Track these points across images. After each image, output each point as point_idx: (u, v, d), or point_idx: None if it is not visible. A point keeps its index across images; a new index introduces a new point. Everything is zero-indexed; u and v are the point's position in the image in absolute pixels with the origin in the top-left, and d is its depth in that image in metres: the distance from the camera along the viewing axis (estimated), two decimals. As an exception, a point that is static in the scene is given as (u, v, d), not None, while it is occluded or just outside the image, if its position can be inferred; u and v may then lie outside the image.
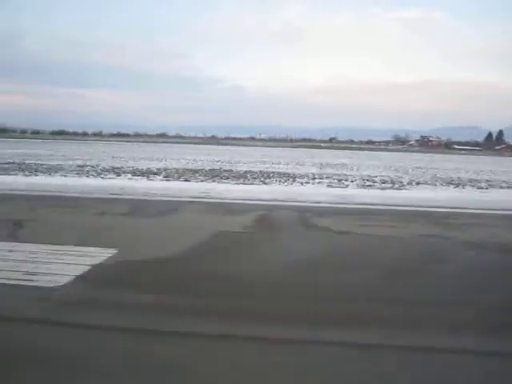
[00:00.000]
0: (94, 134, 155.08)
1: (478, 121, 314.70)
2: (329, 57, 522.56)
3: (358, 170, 36.66)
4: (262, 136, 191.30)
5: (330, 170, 33.87)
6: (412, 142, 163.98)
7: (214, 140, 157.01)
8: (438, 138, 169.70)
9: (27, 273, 6.27)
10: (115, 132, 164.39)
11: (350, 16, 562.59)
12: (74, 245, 7.83)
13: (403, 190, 20.55)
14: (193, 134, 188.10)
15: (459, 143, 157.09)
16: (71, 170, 25.72)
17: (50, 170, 25.30)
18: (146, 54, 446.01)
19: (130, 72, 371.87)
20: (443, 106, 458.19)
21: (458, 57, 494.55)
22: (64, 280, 6.04)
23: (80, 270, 6.46)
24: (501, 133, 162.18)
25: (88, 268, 6.59)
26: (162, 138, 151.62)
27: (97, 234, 8.95)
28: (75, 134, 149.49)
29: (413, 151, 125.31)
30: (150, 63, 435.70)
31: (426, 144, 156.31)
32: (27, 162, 31.49)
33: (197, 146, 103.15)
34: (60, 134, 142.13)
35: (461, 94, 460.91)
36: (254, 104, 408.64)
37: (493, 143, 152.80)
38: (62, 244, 7.82)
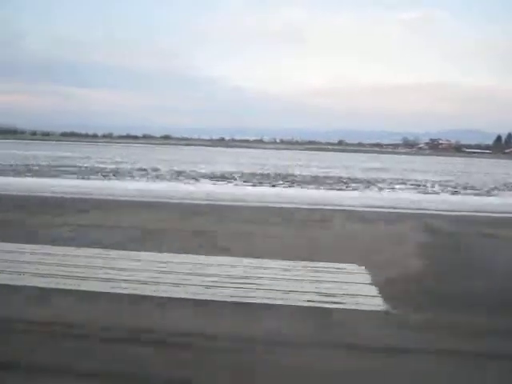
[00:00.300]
0: (104, 136, 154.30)
1: (478, 124, 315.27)
2: (329, 57, 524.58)
3: (413, 174, 36.10)
4: (266, 138, 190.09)
5: (386, 175, 33.36)
6: (421, 145, 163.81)
7: (222, 143, 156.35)
8: (447, 140, 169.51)
9: (327, 294, 5.74)
10: (124, 134, 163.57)
11: (350, 16, 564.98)
12: (310, 260, 7.34)
13: (493, 197, 20.13)
14: (196, 136, 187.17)
15: (468, 146, 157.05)
16: (144, 175, 25.10)
17: (118, 174, 24.79)
18: (146, 53, 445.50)
19: (130, 72, 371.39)
20: (443, 109, 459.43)
21: (459, 58, 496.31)
22: (378, 302, 5.53)
23: (375, 290, 5.94)
24: (510, 136, 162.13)
25: (377, 288, 6.06)
26: (168, 140, 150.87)
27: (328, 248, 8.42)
28: (86, 135, 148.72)
29: (424, 154, 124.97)
30: (149, 63, 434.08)
31: (435, 147, 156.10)
32: (85, 165, 30.97)
33: (208, 148, 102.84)
34: (70, 136, 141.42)
35: (460, 96, 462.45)
36: (255, 105, 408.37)
37: (502, 147, 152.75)
38: (305, 260, 7.30)
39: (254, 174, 28.14)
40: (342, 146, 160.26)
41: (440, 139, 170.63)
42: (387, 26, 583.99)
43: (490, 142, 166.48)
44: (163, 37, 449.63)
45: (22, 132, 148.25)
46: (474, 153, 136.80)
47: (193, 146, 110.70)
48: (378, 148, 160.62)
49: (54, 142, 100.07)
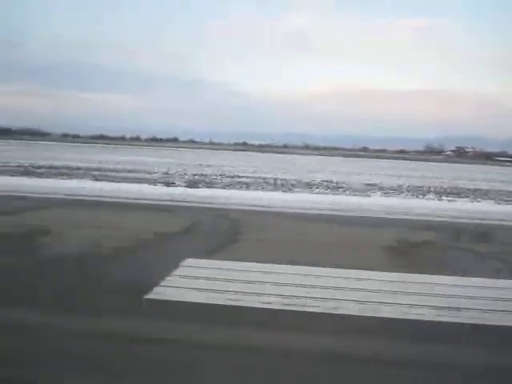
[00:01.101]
0: (132, 139, 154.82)
1: (482, 130, 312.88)
2: (336, 63, 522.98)
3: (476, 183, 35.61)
4: (278, 143, 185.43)
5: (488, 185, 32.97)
6: (448, 153, 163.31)
7: (247, 147, 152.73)
8: (473, 148, 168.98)
9: None
10: (148, 137, 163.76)
11: (356, 23, 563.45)
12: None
13: None
14: (207, 140, 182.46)
15: (496, 154, 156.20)
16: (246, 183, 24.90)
17: (302, 186, 24.60)
18: (151, 57, 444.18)
19: (134, 75, 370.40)
20: (448, 115, 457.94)
21: (464, 66, 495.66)
22: None
23: None
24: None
25: None
26: (193, 144, 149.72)
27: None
28: (114, 138, 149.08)
29: (454, 162, 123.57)
30: (155, 66, 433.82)
31: (463, 155, 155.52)
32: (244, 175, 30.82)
33: (235, 152, 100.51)
34: (100, 139, 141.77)
35: (465, 102, 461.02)
36: (263, 110, 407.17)
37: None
38: None
39: (419, 187, 27.91)
40: (367, 153, 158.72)
41: (466, 147, 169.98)
42: (396, 34, 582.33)
43: (496, 148, 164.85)
44: (168, 41, 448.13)
45: (46, 134, 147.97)
46: (506, 161, 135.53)
47: (222, 151, 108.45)
48: (401, 155, 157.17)
49: (87, 145, 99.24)
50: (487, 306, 5.98)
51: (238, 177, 28.72)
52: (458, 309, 5.81)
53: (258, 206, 15.10)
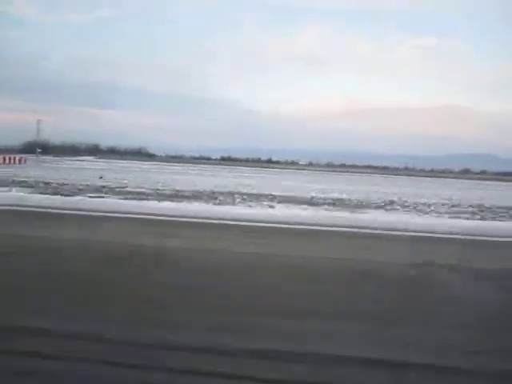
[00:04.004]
0: (202, 158, 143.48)
1: (491, 148, 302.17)
2: (348, 81, 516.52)
3: None
4: (301, 161, 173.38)
5: None
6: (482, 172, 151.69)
7: (268, 165, 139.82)
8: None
9: None
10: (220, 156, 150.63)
11: (365, 40, 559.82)
12: None
13: None
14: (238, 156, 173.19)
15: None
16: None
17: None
18: (161, 74, 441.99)
19: (146, 93, 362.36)
20: (457, 133, 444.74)
21: (472, 84, 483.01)
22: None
23: None
24: None
25: None
26: (228, 161, 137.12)
27: None
28: (193, 158, 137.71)
29: (494, 180, 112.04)
30: (165, 84, 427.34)
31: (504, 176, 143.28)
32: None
33: (265, 169, 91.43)
34: (175, 158, 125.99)
35: (473, 120, 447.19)
36: (277, 127, 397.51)
37: None
38: None
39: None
40: (406, 171, 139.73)
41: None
42: (406, 52, 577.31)
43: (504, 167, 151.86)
44: (178, 59, 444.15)
45: (152, 155, 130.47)
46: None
47: (248, 168, 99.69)
48: (445, 174, 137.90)
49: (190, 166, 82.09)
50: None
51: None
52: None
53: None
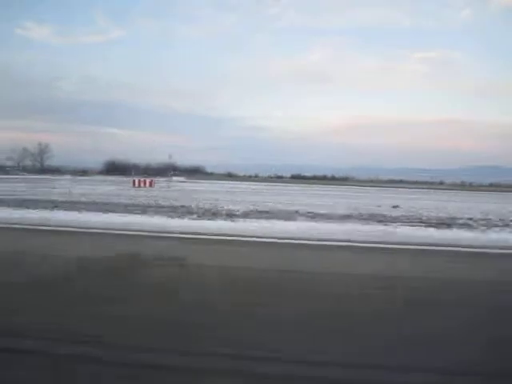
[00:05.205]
0: (253, 176, 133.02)
1: (496, 160, 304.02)
2: (352, 96, 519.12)
3: None
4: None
5: None
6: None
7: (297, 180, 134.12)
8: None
9: None
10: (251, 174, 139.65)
11: (369, 55, 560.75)
12: None
13: None
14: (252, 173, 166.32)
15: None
16: None
17: None
18: (170, 95, 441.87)
19: (156, 112, 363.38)
20: (461, 145, 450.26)
21: (475, 96, 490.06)
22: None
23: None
24: None
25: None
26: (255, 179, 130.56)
27: None
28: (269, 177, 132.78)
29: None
30: (174, 104, 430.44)
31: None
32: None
33: (290, 185, 71.67)
34: (251, 177, 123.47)
35: (476, 132, 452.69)
36: (287, 144, 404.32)
37: None
38: None
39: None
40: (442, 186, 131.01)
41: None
42: (410, 67, 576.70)
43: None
44: (186, 79, 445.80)
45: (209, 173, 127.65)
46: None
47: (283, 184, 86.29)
48: (474, 188, 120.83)
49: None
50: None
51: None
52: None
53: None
